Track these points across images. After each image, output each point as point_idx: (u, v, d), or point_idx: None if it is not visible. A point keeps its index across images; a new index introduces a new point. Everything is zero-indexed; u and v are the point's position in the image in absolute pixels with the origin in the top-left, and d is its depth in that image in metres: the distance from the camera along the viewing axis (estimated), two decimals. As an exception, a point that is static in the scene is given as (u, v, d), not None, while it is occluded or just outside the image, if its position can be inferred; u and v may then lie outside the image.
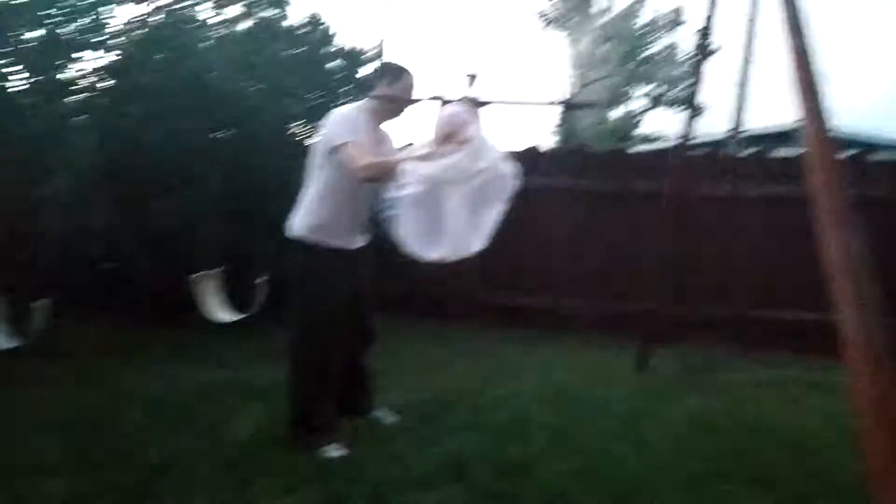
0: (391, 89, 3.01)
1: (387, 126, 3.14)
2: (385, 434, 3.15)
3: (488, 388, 4.06)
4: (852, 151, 5.96)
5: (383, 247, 2.89)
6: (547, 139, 21.73)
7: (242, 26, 6.13)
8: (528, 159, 6.32)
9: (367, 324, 3.22)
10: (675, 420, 3.57)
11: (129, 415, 3.28)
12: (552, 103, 3.62)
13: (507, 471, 2.73)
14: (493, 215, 2.78)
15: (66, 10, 4.80)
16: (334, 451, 2.84)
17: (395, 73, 3.04)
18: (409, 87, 3.04)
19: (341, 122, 2.88)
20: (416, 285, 6.12)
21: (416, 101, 3.06)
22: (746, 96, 11.13)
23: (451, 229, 2.64)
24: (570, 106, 4.20)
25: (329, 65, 6.26)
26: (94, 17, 5.01)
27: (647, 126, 22.96)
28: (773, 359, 5.29)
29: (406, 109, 3.12)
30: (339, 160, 2.80)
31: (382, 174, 2.74)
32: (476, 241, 2.65)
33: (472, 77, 2.95)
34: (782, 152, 6.82)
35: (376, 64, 6.92)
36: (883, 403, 1.22)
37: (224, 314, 4.20)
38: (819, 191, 1.41)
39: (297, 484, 2.52)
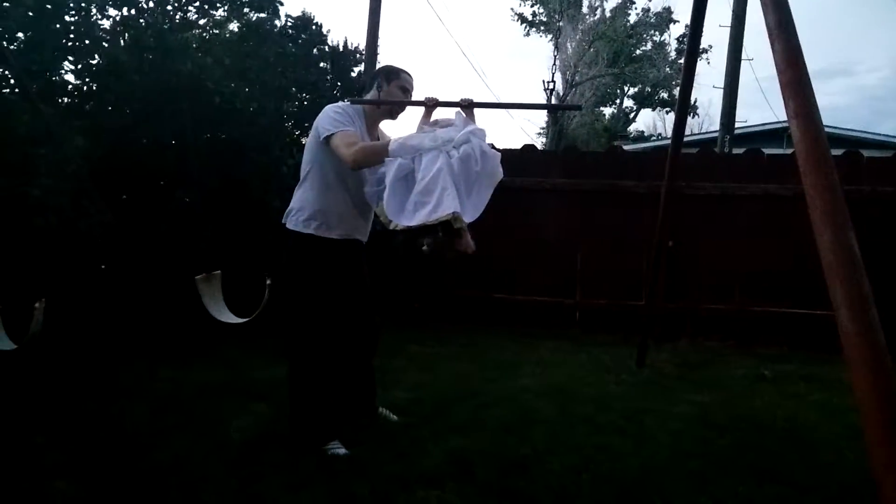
0: (385, 91, 3.02)
1: (383, 128, 3.16)
2: (389, 432, 3.15)
3: (490, 386, 4.07)
4: (843, 150, 6.01)
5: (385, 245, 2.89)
6: (539, 139, 21.80)
7: (233, 27, 6.12)
8: (522, 159, 6.38)
9: (369, 322, 3.23)
10: (675, 415, 3.60)
11: (133, 415, 3.27)
12: (540, 106, 3.55)
13: (511, 468, 2.74)
14: (480, 192, 2.73)
15: (54, 11, 4.76)
16: (338, 450, 2.84)
17: (387, 75, 3.05)
18: (405, 90, 3.06)
19: (333, 114, 2.89)
20: (418, 284, 6.14)
21: (410, 103, 3.07)
22: (737, 94, 11.20)
23: (431, 194, 2.60)
24: (556, 108, 4.15)
25: (321, 64, 6.25)
26: (84, 17, 4.98)
27: (638, 125, 23.11)
28: (771, 354, 5.33)
29: (400, 112, 3.14)
30: (331, 149, 2.81)
31: (373, 157, 2.75)
32: (453, 205, 2.58)
33: (471, 105, 2.95)
34: (774, 150, 6.88)
35: (369, 63, 6.95)
36: (883, 399, 1.23)
37: (229, 316, 4.19)
38: (811, 188, 1.42)
39: (303, 482, 2.52)
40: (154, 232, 4.90)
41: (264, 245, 4.87)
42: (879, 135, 13.03)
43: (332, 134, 2.80)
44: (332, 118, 2.86)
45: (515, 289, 6.21)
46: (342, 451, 2.84)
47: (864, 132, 12.98)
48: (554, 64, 5.70)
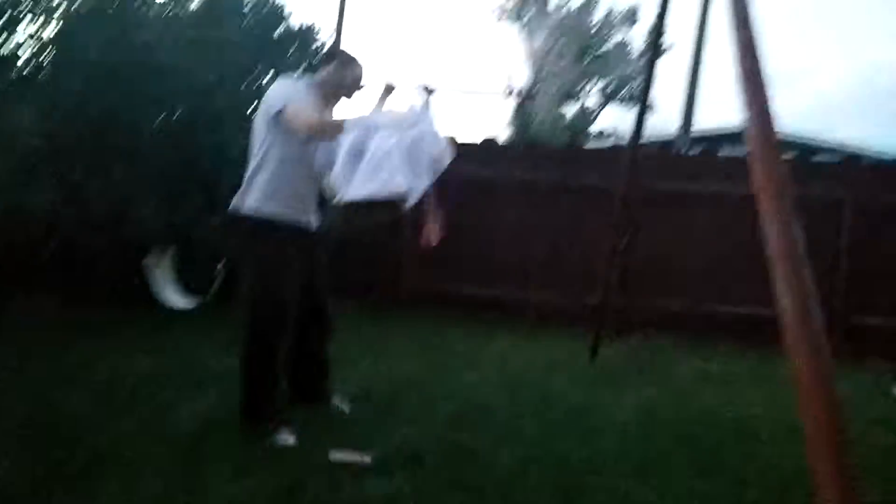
0: (338, 75, 2.98)
1: (333, 111, 3.12)
2: (340, 422, 3.13)
3: (443, 377, 4.09)
4: (794, 153, 6.19)
5: (337, 234, 2.87)
6: (502, 133, 21.87)
7: (194, 4, 5.96)
8: (484, 152, 6.40)
9: (323, 311, 3.20)
10: (622, 409, 3.66)
11: (75, 399, 3.17)
12: (500, 94, 3.56)
13: (461, 459, 2.75)
14: (424, 176, 2.73)
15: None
16: (287, 439, 2.81)
17: (344, 60, 3.01)
18: (358, 77, 3.03)
19: (284, 88, 2.84)
20: (374, 274, 6.11)
21: (363, 87, 3.05)
22: (696, 96, 11.38)
23: (382, 169, 2.59)
24: (517, 96, 4.19)
25: (283, 44, 6.11)
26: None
27: (600, 122, 23.36)
28: (720, 351, 5.47)
29: (352, 96, 3.10)
30: (283, 123, 2.75)
31: (329, 130, 2.71)
32: (404, 182, 2.57)
33: (430, 91, 2.94)
34: (730, 151, 7.04)
35: (329, 44, 6.85)
36: (821, 385, 1.27)
37: (178, 299, 4.09)
38: (761, 176, 1.46)
39: (249, 470, 2.49)
40: (103, 210, 4.76)
41: (215, 227, 4.78)
42: (831, 141, 13.45)
43: (285, 107, 2.74)
44: (284, 92, 2.81)
45: (471, 281, 6.24)
46: (291, 439, 2.81)
47: (816, 137, 13.36)
48: (517, 56, 5.70)
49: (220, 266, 4.07)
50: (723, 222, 5.92)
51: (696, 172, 6.13)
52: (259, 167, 2.88)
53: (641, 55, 21.31)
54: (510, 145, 9.55)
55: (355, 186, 2.60)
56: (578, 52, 22.18)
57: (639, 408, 3.72)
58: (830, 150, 10.91)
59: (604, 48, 22.88)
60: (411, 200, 2.66)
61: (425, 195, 2.88)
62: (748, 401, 4.03)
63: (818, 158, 6.74)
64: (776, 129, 1.52)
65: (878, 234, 5.81)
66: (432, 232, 3.25)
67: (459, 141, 6.33)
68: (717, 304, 5.93)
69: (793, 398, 1.29)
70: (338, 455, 2.69)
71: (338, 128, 2.69)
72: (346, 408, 3.30)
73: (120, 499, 2.23)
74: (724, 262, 5.90)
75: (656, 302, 6.01)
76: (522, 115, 21.14)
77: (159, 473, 2.43)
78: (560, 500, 2.44)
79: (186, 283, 4.29)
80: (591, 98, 23.59)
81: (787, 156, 6.32)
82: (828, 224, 5.74)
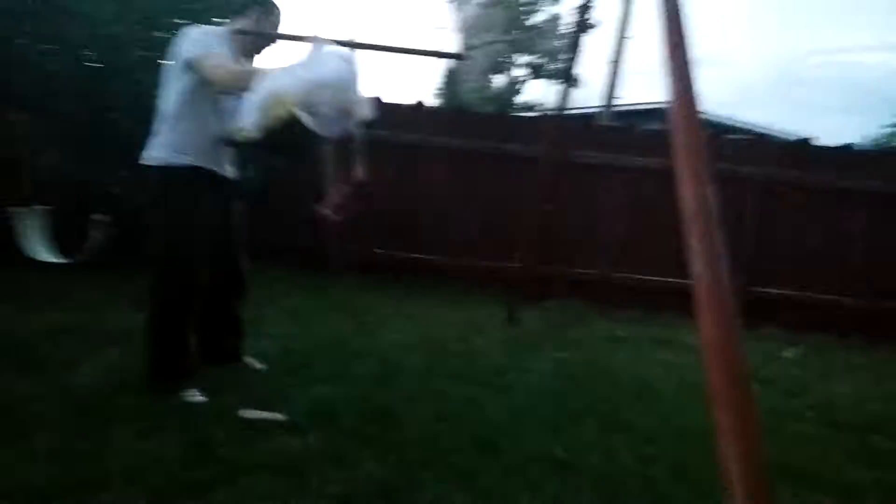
0: (257, 23, 2.86)
1: (252, 61, 3.00)
2: (251, 381, 3.07)
3: (361, 340, 4.07)
4: (708, 132, 6.45)
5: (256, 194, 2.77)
6: (430, 100, 21.69)
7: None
8: (412, 115, 6.33)
9: (237, 269, 3.10)
10: (536, 371, 3.77)
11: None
12: (423, 52, 3.49)
13: (375, 416, 2.76)
14: (331, 122, 2.62)
15: None
16: (195, 397, 2.73)
17: (264, 7, 2.89)
18: (279, 26, 2.92)
19: (197, 37, 2.72)
20: (296, 237, 5.98)
21: (293, 38, 2.93)
22: (619, 72, 11.58)
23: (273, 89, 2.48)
24: (439, 55, 4.14)
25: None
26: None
27: (527, 94, 23.54)
28: (630, 317, 5.69)
29: (269, 47, 2.99)
30: (195, 72, 2.64)
31: (243, 81, 2.55)
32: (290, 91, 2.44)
33: (354, 45, 2.85)
34: (650, 126, 7.25)
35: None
36: (725, 343, 1.34)
37: (48, 254, 3.79)
38: (680, 146, 1.51)
39: (155, 429, 2.41)
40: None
41: (115, 182, 4.55)
42: (743, 122, 14.05)
43: (198, 56, 2.62)
44: (196, 40, 2.69)
45: (395, 246, 6.22)
46: (199, 398, 2.74)
47: (730, 118, 13.95)
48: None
49: (96, 218, 3.78)
50: (640, 194, 6.12)
51: (617, 145, 6.29)
52: (168, 117, 2.75)
53: (569, 30, 21.52)
54: (439, 110, 9.48)
55: (248, 111, 2.48)
56: (507, 25, 22.21)
57: (552, 369, 3.83)
58: (741, 131, 11.44)
59: (533, 20, 22.96)
60: (318, 129, 2.48)
61: (325, 157, 2.82)
62: (653, 362, 4.23)
63: (730, 137, 7.03)
64: (697, 101, 1.57)
65: (779, 209, 6.15)
66: (331, 202, 3.15)
67: (388, 101, 6.27)
68: (632, 272, 6.15)
69: (692, 361, 1.34)
70: (249, 413, 2.64)
71: (252, 78, 2.56)
72: (260, 367, 3.23)
73: (10, 457, 2.11)
74: (639, 232, 6.12)
75: (574, 268, 6.18)
76: (453, 82, 21.05)
77: (59, 430, 2.32)
78: (473, 457, 2.48)
79: (60, 239, 3.98)
80: (519, 70, 23.71)
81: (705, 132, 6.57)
82: (734, 199, 6.03)
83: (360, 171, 3.40)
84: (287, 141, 2.49)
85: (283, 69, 2.53)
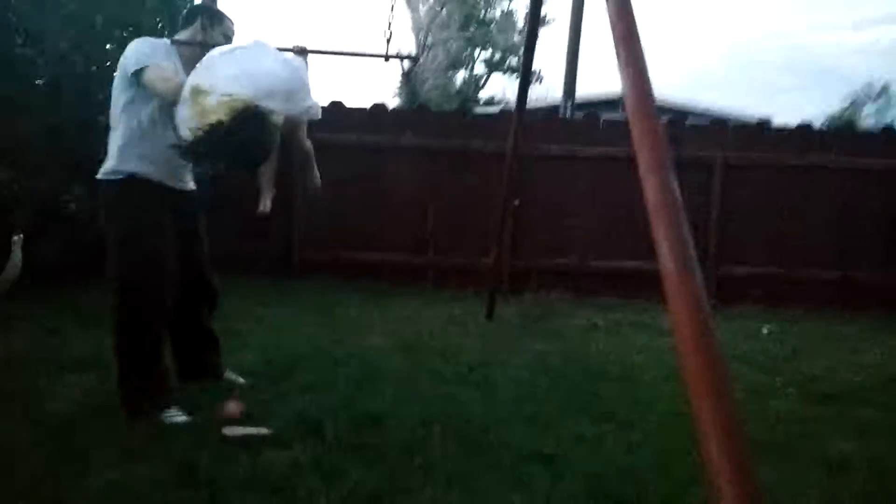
0: (205, 34, 2.81)
1: None
2: (233, 396, 3.00)
3: (339, 345, 4.03)
4: (668, 117, 6.54)
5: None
6: (391, 100, 21.61)
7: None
8: (374, 117, 6.30)
9: (205, 282, 3.04)
10: (517, 365, 3.77)
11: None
12: (377, 56, 3.45)
13: (361, 424, 2.72)
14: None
15: None
16: (176, 417, 2.67)
17: (211, 17, 2.84)
18: (227, 35, 2.86)
19: (141, 49, 2.66)
20: (264, 244, 5.91)
21: (237, 48, 2.87)
22: (577, 65, 11.68)
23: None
24: (393, 58, 4.10)
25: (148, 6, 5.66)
26: None
27: (489, 90, 23.60)
28: (605, 304, 5.74)
29: None
30: (142, 84, 2.59)
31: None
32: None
33: (304, 51, 2.82)
34: (610, 116, 7.32)
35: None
36: (698, 331, 1.33)
37: None
38: (638, 134, 1.51)
39: (135, 453, 2.35)
40: None
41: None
42: (702, 107, 14.29)
43: (144, 68, 2.56)
44: (141, 52, 2.62)
45: (367, 248, 6.18)
46: (181, 417, 2.68)
47: (689, 102, 14.17)
48: (392, 10, 5.59)
49: (15, 238, 3.60)
50: (606, 181, 6.17)
51: (580, 136, 6.34)
52: (118, 130, 2.69)
53: (525, 24, 21.61)
54: (399, 111, 9.44)
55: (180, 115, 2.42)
56: (463, 21, 22.23)
57: (532, 362, 3.85)
58: (699, 115, 11.62)
59: (488, 15, 23.02)
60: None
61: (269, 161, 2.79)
62: (629, 349, 4.28)
63: (689, 122, 7.13)
64: (651, 89, 1.56)
65: (742, 189, 6.27)
66: (264, 200, 3.21)
67: (348, 106, 6.23)
68: (604, 260, 6.21)
69: (672, 344, 1.34)
70: (233, 431, 2.59)
71: None
72: (240, 381, 3.18)
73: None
74: (609, 219, 6.18)
75: (547, 260, 6.22)
76: (411, 82, 21.00)
77: (30, 463, 2.24)
78: (462, 458, 2.47)
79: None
80: (479, 66, 23.76)
81: (662, 119, 6.66)
82: (699, 181, 6.12)
83: (315, 177, 3.42)
84: (230, 144, 2.41)
85: (215, 57, 2.46)
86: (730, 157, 6.23)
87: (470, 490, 2.20)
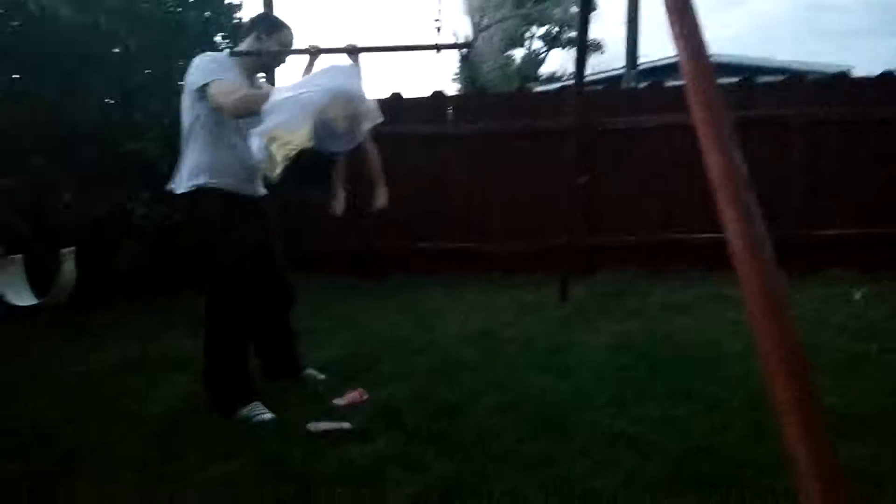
0: (263, 43, 2.87)
1: (260, 80, 3.03)
2: (315, 392, 3.11)
3: (416, 335, 4.08)
4: (739, 77, 6.23)
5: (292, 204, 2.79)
6: (450, 86, 21.60)
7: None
8: (434, 106, 6.29)
9: (282, 282, 3.14)
10: (595, 347, 3.72)
11: (36, 400, 3.09)
12: (426, 47, 3.40)
13: (439, 413, 2.76)
14: (338, 136, 2.55)
15: None
16: (263, 415, 2.78)
17: (269, 27, 2.90)
18: (286, 44, 2.91)
19: (206, 63, 2.74)
20: (334, 242, 6.04)
21: (291, 52, 2.93)
22: (638, 30, 11.32)
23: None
24: (441, 48, 3.98)
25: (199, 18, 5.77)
26: None
27: (549, 65, 23.23)
28: (684, 278, 5.54)
29: (280, 64, 3.02)
30: (209, 100, 2.67)
31: (255, 105, 2.54)
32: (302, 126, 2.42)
33: (355, 49, 2.84)
34: (677, 82, 7.05)
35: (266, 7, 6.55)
36: (772, 309, 1.28)
37: (25, 297, 3.74)
38: (696, 106, 1.45)
39: (228, 452, 2.46)
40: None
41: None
42: (773, 63, 13.58)
43: (208, 83, 2.65)
44: (205, 68, 2.71)
45: (436, 237, 6.20)
46: (268, 415, 2.78)
47: (761, 59, 13.49)
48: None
49: (65, 251, 3.68)
50: (676, 151, 5.95)
51: (646, 105, 6.13)
52: (189, 144, 2.80)
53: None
54: (459, 96, 9.39)
55: (258, 145, 2.50)
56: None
57: (611, 343, 3.78)
58: (774, 71, 11.04)
59: (543, -9, 22.63)
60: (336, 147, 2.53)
61: (335, 161, 2.82)
62: (713, 324, 4.12)
63: (763, 80, 6.77)
64: (709, 56, 1.50)
65: (826, 148, 5.91)
66: (338, 202, 3.18)
67: (406, 97, 6.25)
68: (677, 233, 6.00)
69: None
70: (317, 426, 2.67)
71: (263, 101, 2.53)
72: (320, 377, 3.27)
73: (98, 494, 2.19)
74: (681, 190, 5.95)
75: (619, 237, 6.07)
76: (469, 66, 20.90)
77: (139, 465, 2.39)
78: (543, 442, 2.46)
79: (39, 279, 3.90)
80: (537, 42, 23.41)
81: (732, 80, 6.34)
82: (776, 143, 5.82)
83: (381, 194, 3.34)
84: (304, 172, 2.50)
85: (280, 101, 2.50)
86: (807, 115, 5.89)
87: (551, 475, 2.19)
